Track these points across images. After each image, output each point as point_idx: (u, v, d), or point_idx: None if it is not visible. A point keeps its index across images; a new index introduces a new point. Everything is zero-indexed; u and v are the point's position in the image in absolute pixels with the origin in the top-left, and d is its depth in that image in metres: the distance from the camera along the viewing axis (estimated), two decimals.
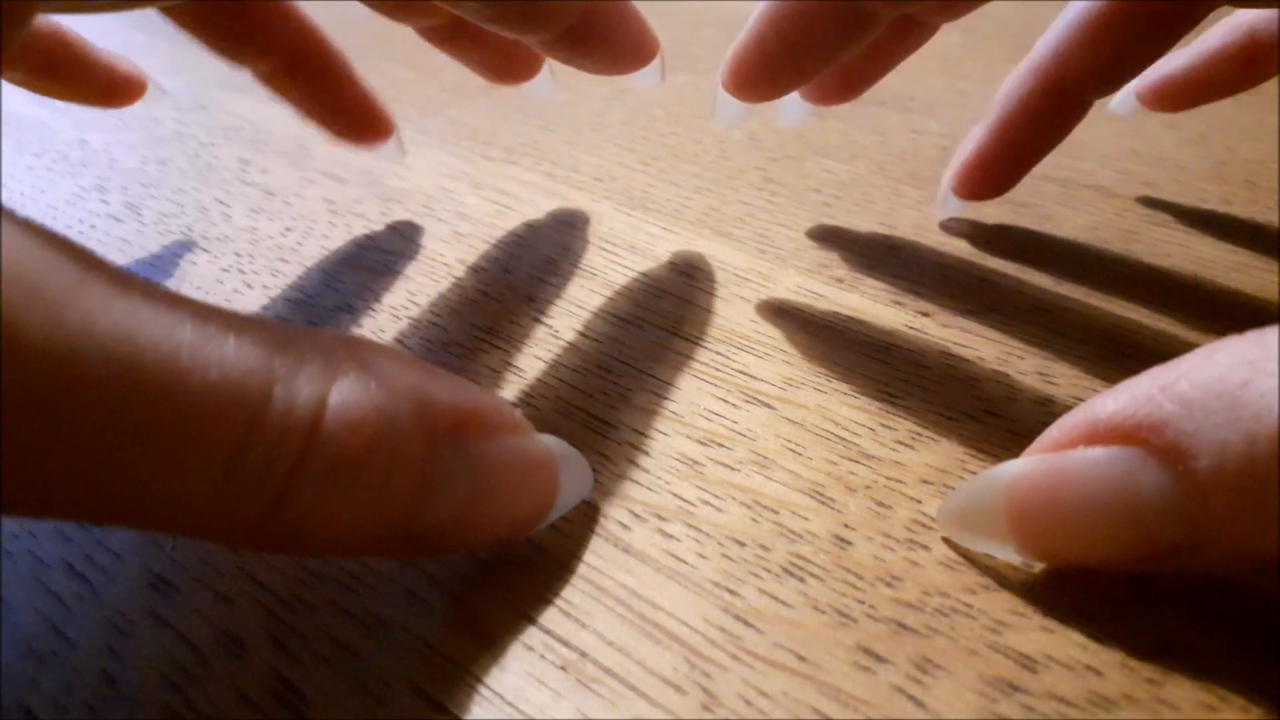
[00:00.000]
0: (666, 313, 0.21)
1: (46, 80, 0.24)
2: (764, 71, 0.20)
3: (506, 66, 0.24)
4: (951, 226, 0.24)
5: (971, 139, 0.23)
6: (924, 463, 0.16)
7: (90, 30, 0.24)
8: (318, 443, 0.11)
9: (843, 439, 0.17)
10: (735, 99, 0.20)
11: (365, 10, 0.21)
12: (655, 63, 0.23)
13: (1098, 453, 0.13)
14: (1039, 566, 0.14)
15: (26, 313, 0.09)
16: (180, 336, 0.10)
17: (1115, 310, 0.21)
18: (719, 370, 0.19)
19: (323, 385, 0.11)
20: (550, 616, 0.14)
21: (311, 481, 0.11)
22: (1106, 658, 0.13)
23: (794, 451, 0.17)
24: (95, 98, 0.25)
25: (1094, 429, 0.13)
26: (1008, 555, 0.14)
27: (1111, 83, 0.21)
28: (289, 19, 0.23)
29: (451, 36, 0.23)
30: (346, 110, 0.25)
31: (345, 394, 0.12)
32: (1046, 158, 0.28)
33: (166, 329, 0.10)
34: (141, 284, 0.11)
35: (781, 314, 0.21)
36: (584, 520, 0.16)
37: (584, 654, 0.13)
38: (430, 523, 0.13)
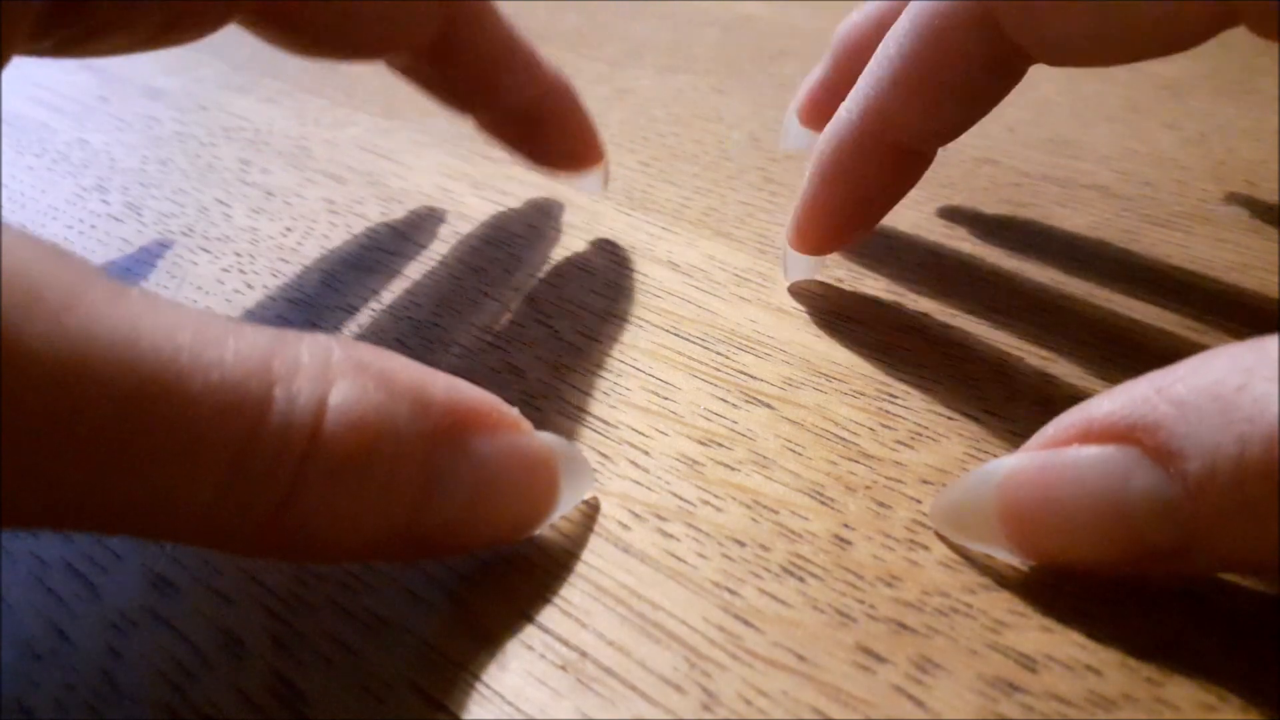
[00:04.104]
0: (667, 313, 0.21)
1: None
2: (827, 228, 0.20)
3: None
4: (952, 224, 0.24)
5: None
6: (924, 463, 0.16)
7: None
8: (320, 443, 0.11)
9: (843, 439, 0.17)
10: (803, 255, 0.21)
11: None
12: (598, 171, 0.24)
13: (1091, 451, 0.13)
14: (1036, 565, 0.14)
15: (28, 320, 0.09)
16: (180, 340, 0.10)
17: (1115, 310, 0.21)
18: (719, 370, 0.19)
19: (322, 386, 0.11)
20: (550, 616, 0.14)
21: (316, 483, 0.11)
22: (1106, 658, 0.13)
23: (794, 451, 0.17)
24: None
25: (1089, 428, 0.13)
26: (1001, 553, 0.14)
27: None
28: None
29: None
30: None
31: (345, 394, 0.12)
32: (1046, 157, 0.28)
33: (166, 333, 0.10)
34: (138, 290, 0.11)
35: (781, 314, 0.21)
36: (584, 520, 0.16)
37: (584, 653, 0.13)
38: (433, 523, 0.13)
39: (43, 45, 0.15)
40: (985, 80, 0.18)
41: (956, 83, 0.18)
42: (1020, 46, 0.17)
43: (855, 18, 0.23)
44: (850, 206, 0.20)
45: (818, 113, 0.25)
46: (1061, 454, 0.13)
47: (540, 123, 0.22)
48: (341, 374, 0.12)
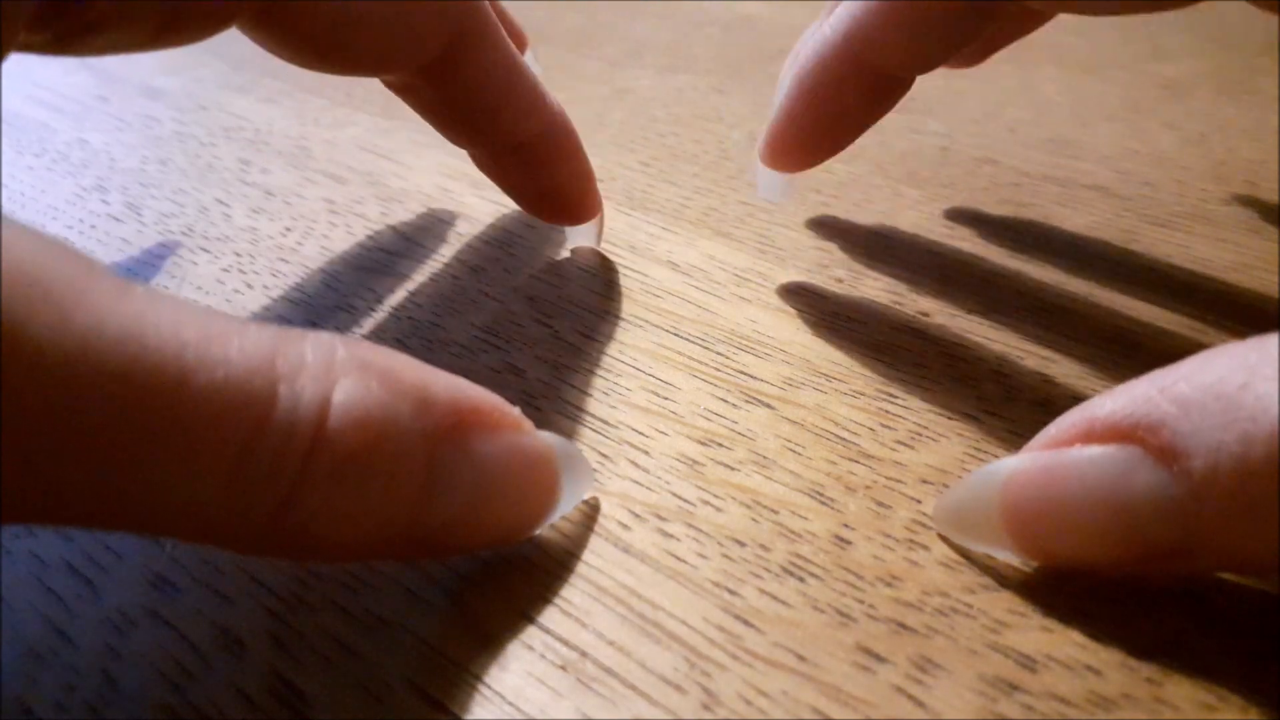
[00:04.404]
0: (666, 312, 0.21)
1: None
2: (800, 144, 0.20)
3: None
4: (952, 224, 0.24)
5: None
6: (924, 463, 0.16)
7: None
8: (324, 442, 0.11)
9: (843, 439, 0.17)
10: (775, 171, 0.21)
11: None
12: (593, 224, 0.23)
13: (1094, 451, 0.13)
14: (1038, 565, 0.14)
15: (34, 317, 0.09)
16: (185, 337, 0.10)
17: (1115, 310, 0.21)
18: (719, 370, 0.19)
19: (326, 384, 0.11)
20: (550, 616, 0.14)
21: (319, 481, 0.11)
22: (1106, 658, 0.13)
23: (794, 451, 0.17)
24: None
25: (1091, 427, 0.13)
26: (1003, 553, 0.14)
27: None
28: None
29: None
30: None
31: (348, 393, 0.12)
32: (1046, 157, 0.28)
33: (171, 331, 0.10)
34: (143, 287, 0.11)
35: (781, 314, 0.21)
36: (584, 520, 0.16)
37: (584, 653, 0.13)
38: (435, 522, 0.13)
39: (40, 39, 0.15)
40: (969, 12, 0.18)
41: (939, 12, 0.18)
42: None
43: None
44: (824, 126, 0.20)
45: None
46: (1064, 454, 0.13)
47: (539, 163, 0.21)
48: (345, 372, 0.12)
